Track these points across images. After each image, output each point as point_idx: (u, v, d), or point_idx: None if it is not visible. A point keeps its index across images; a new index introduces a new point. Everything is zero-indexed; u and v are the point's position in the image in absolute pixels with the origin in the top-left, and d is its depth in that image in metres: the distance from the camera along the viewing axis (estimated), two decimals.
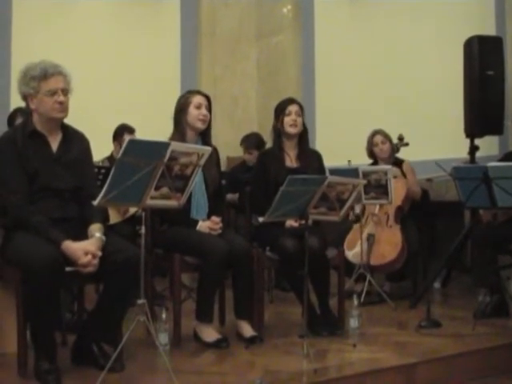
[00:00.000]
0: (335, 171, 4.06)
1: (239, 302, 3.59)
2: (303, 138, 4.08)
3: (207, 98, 3.72)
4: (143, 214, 2.94)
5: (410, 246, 4.72)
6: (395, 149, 5.05)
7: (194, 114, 3.65)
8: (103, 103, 6.33)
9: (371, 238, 4.73)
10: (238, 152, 6.11)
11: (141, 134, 4.65)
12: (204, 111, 3.66)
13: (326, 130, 6.63)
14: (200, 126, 3.67)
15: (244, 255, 3.53)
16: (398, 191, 4.77)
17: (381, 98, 6.18)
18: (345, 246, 4.68)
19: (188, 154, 2.83)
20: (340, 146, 6.25)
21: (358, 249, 4.64)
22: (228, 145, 6.55)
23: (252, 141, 5.69)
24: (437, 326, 3.90)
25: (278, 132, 4.05)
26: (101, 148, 4.37)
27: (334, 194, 3.36)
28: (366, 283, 4.54)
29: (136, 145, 2.66)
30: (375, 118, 5.81)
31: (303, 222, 3.35)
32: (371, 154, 5.15)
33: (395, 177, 4.82)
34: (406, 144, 5.06)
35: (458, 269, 5.06)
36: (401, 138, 5.08)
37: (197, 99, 3.67)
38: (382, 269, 4.76)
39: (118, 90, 6.53)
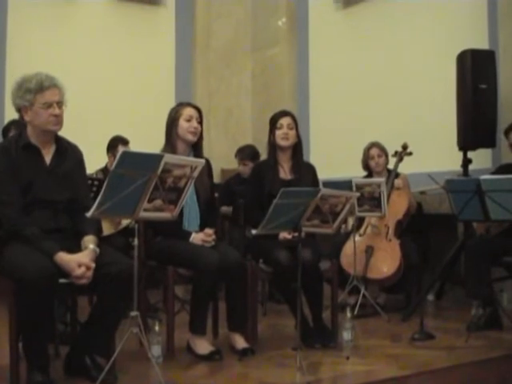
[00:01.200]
0: (329, 183, 4.08)
1: (232, 315, 3.59)
2: (297, 150, 4.09)
3: (198, 110, 3.73)
4: (136, 226, 2.95)
5: (408, 261, 4.70)
6: (398, 158, 5.01)
7: (185, 127, 3.66)
8: (97, 115, 6.36)
9: (370, 251, 4.73)
10: (232, 164, 6.13)
11: (135, 146, 4.67)
12: (194, 124, 3.67)
13: (321, 143, 6.65)
14: (190, 138, 3.68)
15: (237, 267, 3.53)
16: (400, 205, 4.78)
17: (375, 111, 6.20)
18: (341, 256, 4.72)
19: (181, 166, 2.84)
20: (334, 158, 6.28)
21: (351, 259, 4.63)
22: (222, 157, 6.58)
23: (247, 152, 5.70)
24: (430, 338, 3.91)
25: (273, 144, 4.07)
26: (95, 160, 4.40)
27: (327, 207, 3.36)
28: (360, 296, 4.54)
29: (130, 157, 2.68)
30: (369, 131, 5.83)
31: (296, 234, 3.34)
32: (366, 166, 5.16)
33: (398, 189, 4.81)
34: (410, 153, 5.02)
35: (451, 281, 5.06)
36: (405, 147, 5.03)
37: (187, 112, 3.68)
38: (377, 282, 4.76)
39: (113, 101, 6.57)
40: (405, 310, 4.61)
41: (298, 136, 4.08)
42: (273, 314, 4.78)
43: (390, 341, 3.97)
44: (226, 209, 5.39)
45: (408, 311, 4.54)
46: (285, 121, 4.02)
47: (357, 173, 5.19)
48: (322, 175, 4.28)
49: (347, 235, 4.87)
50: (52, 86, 3.00)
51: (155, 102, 6.53)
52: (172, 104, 3.87)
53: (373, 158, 5.08)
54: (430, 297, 5.17)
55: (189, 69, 7.13)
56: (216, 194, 4.29)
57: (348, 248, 4.77)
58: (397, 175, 4.97)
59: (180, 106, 3.75)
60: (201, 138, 3.74)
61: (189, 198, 3.55)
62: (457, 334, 4.01)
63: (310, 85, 6.90)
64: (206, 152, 3.85)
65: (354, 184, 4.48)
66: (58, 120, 3.03)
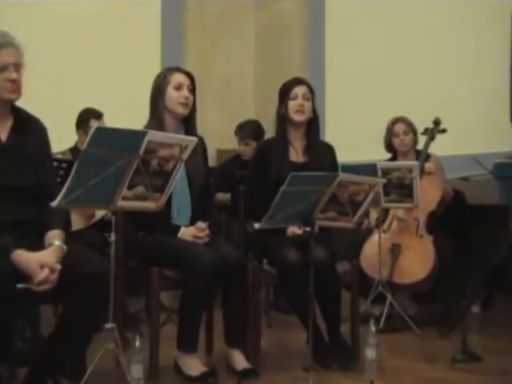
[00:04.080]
0: (348, 168, 4.07)
1: (230, 327, 3.62)
2: (313, 127, 4.11)
3: (190, 76, 3.77)
4: (113, 219, 2.99)
5: (442, 262, 4.70)
6: (429, 136, 5.00)
7: (173, 97, 3.69)
8: (68, 84, 6.34)
9: (396, 250, 4.73)
10: (230, 144, 6.15)
11: (112, 122, 4.62)
12: (185, 93, 3.69)
13: (338, 119, 6.68)
14: (181, 111, 3.70)
15: (236, 269, 3.56)
16: (431, 193, 4.77)
17: (404, 81, 6.23)
18: (361, 256, 4.73)
19: (168, 145, 2.87)
20: (354, 137, 6.31)
21: (375, 260, 4.63)
22: (218, 135, 6.58)
23: (250, 129, 5.72)
24: (475, 360, 3.90)
25: (283, 119, 4.09)
26: (64, 137, 4.39)
27: (346, 196, 3.39)
28: (387, 305, 4.56)
29: (105, 134, 2.69)
30: (396, 106, 5.81)
31: (308, 228, 3.37)
32: (390, 146, 5.16)
33: (429, 174, 4.80)
34: (444, 130, 5.02)
35: (501, 289, 5.05)
36: (437, 123, 5.01)
37: (176, 78, 3.72)
38: (406, 288, 4.77)
39: (86, 69, 6.49)
40: (442, 324, 4.61)
41: (314, 110, 4.10)
42: (279, 327, 4.79)
43: (424, 362, 3.97)
44: (222, 196, 5.38)
45: (446, 326, 4.53)
46: (300, 90, 4.05)
47: (382, 155, 5.19)
48: (341, 158, 4.29)
49: (369, 231, 4.87)
50: (8, 44, 2.99)
51: (137, 70, 6.50)
52: (157, 72, 3.87)
53: (397, 135, 5.08)
54: (475, 308, 5.16)
55: (178, 29, 7.10)
56: (211, 180, 4.27)
57: (369, 247, 4.79)
58: (427, 157, 4.96)
59: (168, 71, 3.79)
60: (193, 110, 3.77)
61: (178, 184, 3.59)
62: (508, 355, 4.01)
63: (326, 49, 6.89)
64: (199, 129, 3.85)
65: (379, 168, 4.46)
66: (16, 86, 3.01)
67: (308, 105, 4.05)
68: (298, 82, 4.11)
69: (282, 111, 4.08)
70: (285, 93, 4.07)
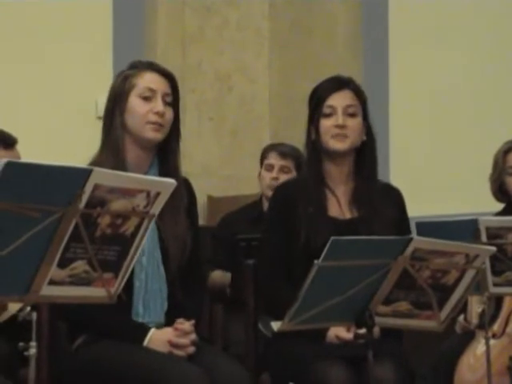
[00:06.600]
0: (429, 227, 4.02)
1: None
2: (365, 158, 4.18)
3: (169, 77, 3.81)
4: (34, 317, 2.96)
5: None
6: None
7: (139, 112, 3.70)
8: None
9: None
10: (228, 186, 6.35)
11: (31, 151, 4.58)
12: (159, 105, 3.68)
13: (408, 154, 6.85)
14: (150, 135, 3.71)
15: None
16: None
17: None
18: (456, 380, 4.68)
19: (128, 192, 2.82)
20: (432, 180, 6.54)
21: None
22: (210, 172, 6.49)
23: (291, 149, 5.84)
24: None
25: (314, 148, 4.14)
26: None
27: (426, 276, 3.36)
28: None
29: (18, 173, 2.64)
30: (495, 128, 6.11)
31: (363, 331, 3.34)
32: (501, 190, 5.21)
33: None
34: None
35: None
36: None
37: (146, 81, 3.74)
38: None
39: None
40: None
41: (367, 129, 4.12)
42: None
43: None
44: (219, 277, 5.41)
45: None
46: (340, 100, 4.08)
47: (482, 206, 5.35)
48: (414, 211, 4.37)
49: (467, 337, 4.83)
50: None
51: (75, 68, 6.43)
52: (108, 71, 3.81)
53: None
54: None
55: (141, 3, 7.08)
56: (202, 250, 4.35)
57: (470, 364, 4.74)
58: None
59: (133, 69, 3.84)
60: (174, 135, 3.82)
61: (146, 257, 3.65)
62: None
63: (390, 26, 7.01)
64: (183, 164, 3.94)
65: (482, 227, 4.29)
66: None
67: (354, 124, 4.08)
68: (336, 85, 4.17)
69: (311, 136, 4.13)
70: (316, 105, 4.13)
